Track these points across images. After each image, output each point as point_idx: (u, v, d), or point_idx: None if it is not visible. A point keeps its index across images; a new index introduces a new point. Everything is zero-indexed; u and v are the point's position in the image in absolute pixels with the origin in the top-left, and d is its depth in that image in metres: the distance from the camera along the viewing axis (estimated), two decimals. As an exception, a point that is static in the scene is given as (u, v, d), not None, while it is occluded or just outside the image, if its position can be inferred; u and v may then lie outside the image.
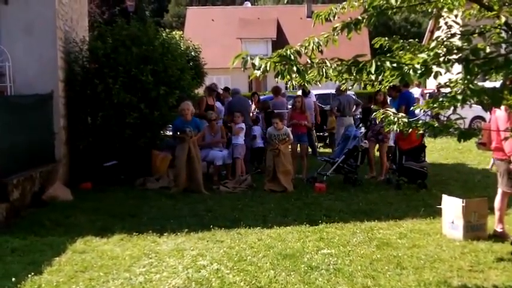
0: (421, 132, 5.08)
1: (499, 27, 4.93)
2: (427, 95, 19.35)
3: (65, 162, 10.93)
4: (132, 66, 10.94)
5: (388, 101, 11.61)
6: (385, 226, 7.54)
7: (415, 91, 15.46)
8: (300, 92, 14.23)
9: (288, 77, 4.17)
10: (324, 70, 4.23)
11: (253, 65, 4.11)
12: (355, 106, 13.74)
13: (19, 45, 10.15)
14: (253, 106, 14.54)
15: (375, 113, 5.72)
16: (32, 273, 5.62)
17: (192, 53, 17.02)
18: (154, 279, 5.57)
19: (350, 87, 5.63)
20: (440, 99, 4.67)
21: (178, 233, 7.23)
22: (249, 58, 4.05)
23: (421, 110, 5.80)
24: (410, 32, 51.57)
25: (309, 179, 10.92)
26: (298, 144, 11.77)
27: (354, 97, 14.47)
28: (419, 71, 4.03)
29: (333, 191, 10.01)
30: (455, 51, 4.38)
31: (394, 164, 10.62)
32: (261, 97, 19.31)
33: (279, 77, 4.11)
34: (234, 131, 11.35)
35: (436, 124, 4.82)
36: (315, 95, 18.92)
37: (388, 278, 5.48)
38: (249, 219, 7.98)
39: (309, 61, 4.30)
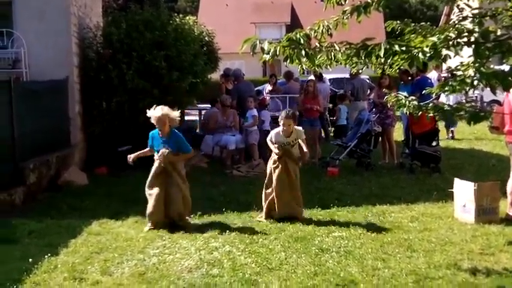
0: (431, 115, 5.08)
1: (511, 9, 4.89)
2: (443, 78, 19.11)
3: (81, 147, 11.06)
4: (146, 52, 10.98)
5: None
6: (397, 210, 7.57)
7: (433, 75, 15.23)
8: (311, 77, 14.18)
9: (297, 61, 4.19)
10: (332, 54, 4.24)
11: (263, 49, 4.14)
12: (368, 90, 13.67)
13: (33, 31, 10.25)
14: (269, 87, 14.62)
15: (386, 97, 5.73)
16: (49, 255, 5.75)
17: (206, 38, 16.99)
18: (167, 260, 5.67)
19: (361, 71, 5.63)
20: (450, 83, 4.68)
21: (192, 216, 7.30)
22: (258, 42, 4.08)
23: (433, 93, 5.80)
24: (426, 15, 50.95)
25: (321, 164, 10.93)
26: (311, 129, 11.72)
27: (367, 81, 14.39)
28: (428, 54, 4.04)
29: (346, 175, 10.03)
30: (465, 34, 4.37)
31: (408, 148, 10.60)
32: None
33: (288, 61, 4.14)
34: (252, 120, 11.27)
35: (446, 107, 4.82)
36: (329, 79, 18.82)
37: (398, 261, 5.52)
38: (261, 202, 8.02)
39: (318, 45, 4.31)
